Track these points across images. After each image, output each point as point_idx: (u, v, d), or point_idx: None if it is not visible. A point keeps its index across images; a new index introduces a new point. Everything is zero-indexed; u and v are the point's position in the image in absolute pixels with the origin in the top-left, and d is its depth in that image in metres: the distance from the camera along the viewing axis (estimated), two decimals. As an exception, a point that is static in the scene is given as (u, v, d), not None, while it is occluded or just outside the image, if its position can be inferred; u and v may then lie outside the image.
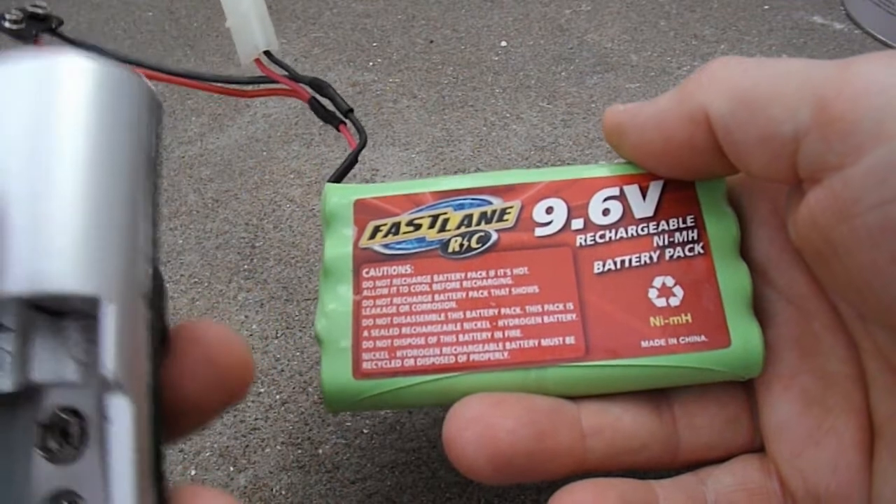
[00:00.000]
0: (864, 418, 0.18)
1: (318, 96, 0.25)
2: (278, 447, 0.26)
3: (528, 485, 0.24)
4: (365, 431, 0.26)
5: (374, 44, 0.43)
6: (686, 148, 0.19)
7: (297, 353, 0.28)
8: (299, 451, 0.26)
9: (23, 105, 0.11)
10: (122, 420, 0.12)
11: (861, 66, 0.16)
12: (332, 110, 0.26)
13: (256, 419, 0.26)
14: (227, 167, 0.36)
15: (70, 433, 0.12)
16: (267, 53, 0.25)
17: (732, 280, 0.20)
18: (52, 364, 0.12)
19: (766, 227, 0.20)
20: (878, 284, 0.16)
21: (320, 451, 0.25)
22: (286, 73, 0.25)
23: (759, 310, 0.20)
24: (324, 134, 0.37)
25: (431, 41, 0.43)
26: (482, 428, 0.18)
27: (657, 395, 0.20)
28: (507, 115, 0.38)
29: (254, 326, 0.29)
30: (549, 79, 0.40)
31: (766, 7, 0.44)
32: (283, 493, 0.25)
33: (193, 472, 0.25)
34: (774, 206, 0.20)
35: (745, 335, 0.19)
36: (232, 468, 0.25)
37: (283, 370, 0.28)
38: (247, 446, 0.26)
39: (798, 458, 0.19)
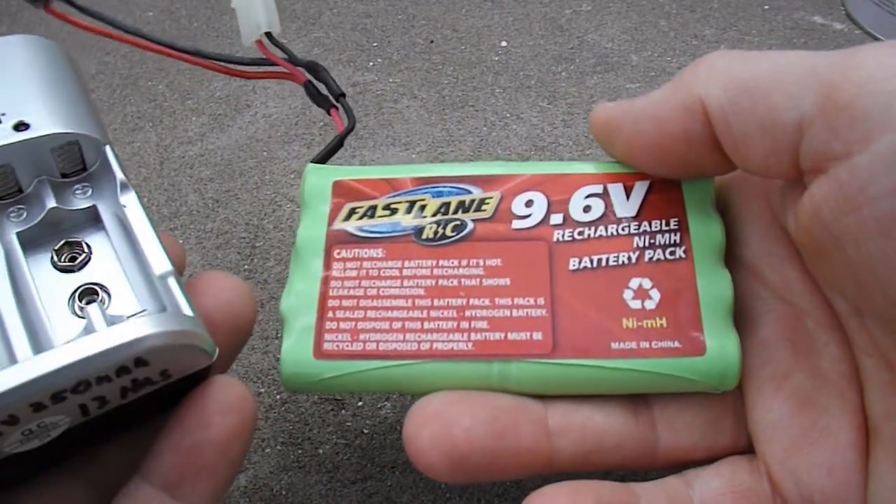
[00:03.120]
0: (859, 417, 0.18)
1: (313, 80, 0.25)
2: (278, 447, 0.26)
3: (528, 484, 0.24)
4: (365, 431, 0.26)
5: (374, 44, 0.43)
6: (681, 141, 0.18)
7: (298, 353, 0.28)
8: (299, 451, 0.26)
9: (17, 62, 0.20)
10: (134, 203, 0.18)
11: (868, 53, 0.16)
12: (325, 94, 0.25)
13: (257, 419, 0.26)
14: (227, 167, 0.36)
15: (76, 254, 0.18)
16: (269, 36, 0.25)
17: (713, 287, 0.19)
18: (65, 199, 0.18)
19: (757, 224, 0.20)
20: (885, 275, 0.15)
21: (320, 451, 0.25)
22: (285, 57, 0.25)
23: (751, 308, 0.20)
24: (324, 134, 0.37)
25: (431, 41, 0.43)
26: (439, 425, 0.18)
27: (635, 394, 0.20)
28: (508, 115, 0.38)
29: (254, 326, 0.29)
30: (550, 79, 0.40)
31: (766, 7, 0.44)
32: (283, 493, 0.25)
33: (194, 472, 0.25)
34: (766, 202, 0.20)
35: (721, 345, 0.18)
36: (232, 468, 0.25)
37: (283, 370, 0.28)
38: (247, 446, 0.26)
39: (791, 459, 0.18)
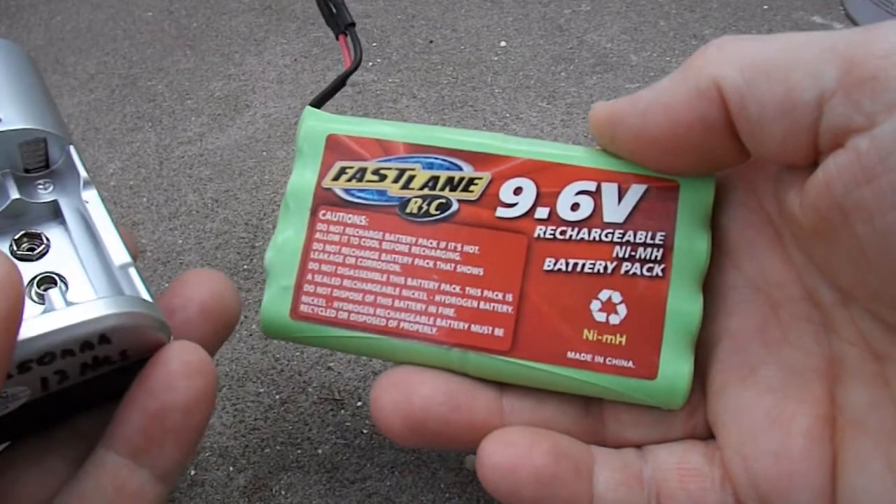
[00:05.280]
0: (823, 408, 0.18)
1: None
2: (278, 447, 0.26)
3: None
4: (365, 431, 0.26)
5: (374, 44, 0.43)
6: (696, 129, 0.18)
7: (297, 353, 0.28)
8: (299, 451, 0.26)
9: None
10: (95, 199, 0.19)
11: (888, 28, 0.15)
12: (337, 19, 0.25)
13: (256, 419, 0.26)
14: (226, 167, 0.36)
15: (34, 245, 0.19)
16: None
17: (682, 312, 0.19)
18: (27, 192, 0.19)
19: (738, 212, 0.20)
20: None
21: (320, 451, 0.25)
22: None
23: (726, 298, 0.19)
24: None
25: (431, 41, 0.43)
26: (400, 392, 0.19)
27: None
28: (507, 115, 0.38)
29: (253, 326, 0.29)
30: (549, 79, 0.40)
31: (766, 7, 0.44)
32: (283, 493, 0.25)
33: (193, 472, 0.25)
34: (751, 189, 0.20)
35: (674, 371, 0.19)
36: (232, 468, 0.25)
37: (282, 370, 0.28)
38: (246, 446, 0.26)
39: (744, 445, 0.18)
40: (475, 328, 0.20)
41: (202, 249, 0.32)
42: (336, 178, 0.21)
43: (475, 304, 0.20)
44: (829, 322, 0.19)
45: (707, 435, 0.20)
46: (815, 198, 0.16)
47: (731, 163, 0.19)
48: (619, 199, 0.20)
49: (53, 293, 0.17)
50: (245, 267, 0.31)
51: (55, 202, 0.19)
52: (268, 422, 0.26)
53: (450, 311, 0.20)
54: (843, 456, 0.18)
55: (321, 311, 0.20)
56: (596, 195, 0.20)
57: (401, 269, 0.20)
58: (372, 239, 0.20)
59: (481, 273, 0.20)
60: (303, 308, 0.20)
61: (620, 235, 0.20)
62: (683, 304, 0.19)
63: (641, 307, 0.19)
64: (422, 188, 0.20)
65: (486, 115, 0.38)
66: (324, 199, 0.21)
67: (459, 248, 0.20)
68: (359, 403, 0.27)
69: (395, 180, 0.21)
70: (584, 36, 0.43)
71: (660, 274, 0.19)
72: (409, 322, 0.20)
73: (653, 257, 0.19)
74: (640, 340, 0.19)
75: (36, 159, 0.19)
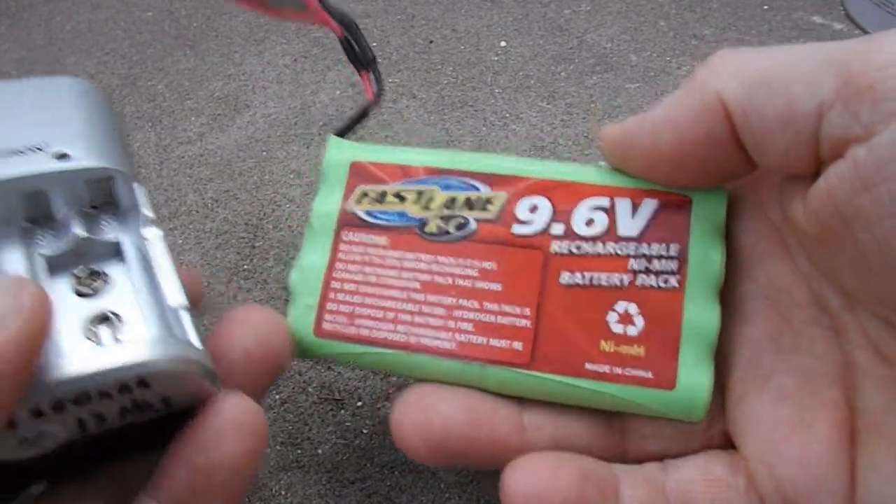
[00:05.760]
0: (839, 413, 0.18)
1: (349, 37, 0.26)
2: (278, 447, 0.26)
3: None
4: (365, 431, 0.26)
5: (374, 44, 0.43)
6: (704, 143, 0.18)
7: (297, 353, 0.28)
8: (299, 451, 0.26)
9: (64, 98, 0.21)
10: (157, 239, 0.19)
11: (886, 38, 0.16)
12: (359, 56, 0.26)
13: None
14: (226, 167, 0.36)
15: (96, 282, 0.18)
16: None
17: (699, 322, 0.19)
18: (92, 229, 0.19)
19: (747, 220, 0.20)
20: None
21: (320, 451, 0.25)
22: (322, 4, 0.26)
23: (739, 307, 0.20)
24: (323, 134, 0.37)
25: (431, 41, 0.43)
26: (420, 411, 0.19)
27: None
28: (507, 115, 0.38)
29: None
30: (549, 79, 0.40)
31: (766, 7, 0.44)
32: (283, 493, 0.25)
33: (193, 472, 0.25)
34: (757, 198, 0.20)
35: (693, 381, 0.19)
36: (232, 468, 0.25)
37: (282, 370, 0.28)
38: (246, 446, 0.26)
39: (767, 453, 0.18)
40: (494, 342, 0.20)
41: (202, 249, 0.32)
42: (358, 201, 0.22)
43: (493, 318, 0.20)
44: (838, 327, 0.19)
45: (726, 444, 0.20)
46: (818, 206, 0.17)
47: (739, 174, 0.19)
48: (633, 214, 0.20)
49: (103, 331, 0.17)
50: (245, 267, 0.31)
51: (118, 240, 0.19)
52: (268, 422, 0.26)
53: (468, 326, 0.20)
54: (860, 459, 0.18)
55: (343, 328, 0.20)
56: (610, 211, 0.20)
57: (420, 287, 0.20)
58: (392, 258, 0.21)
59: (499, 288, 0.20)
60: (326, 326, 0.21)
61: (635, 249, 0.20)
62: (700, 315, 0.19)
63: (658, 318, 0.19)
64: (441, 208, 0.21)
65: (486, 115, 0.38)
66: (347, 221, 0.21)
67: (477, 265, 0.20)
68: (359, 403, 0.27)
69: (415, 201, 0.21)
70: (584, 36, 0.43)
71: (675, 285, 0.19)
72: (429, 337, 0.20)
73: (668, 269, 0.20)
74: (658, 351, 0.19)
75: (102, 196, 0.19)
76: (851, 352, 0.18)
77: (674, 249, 0.20)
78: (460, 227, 0.21)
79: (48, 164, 0.18)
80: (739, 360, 0.19)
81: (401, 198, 0.21)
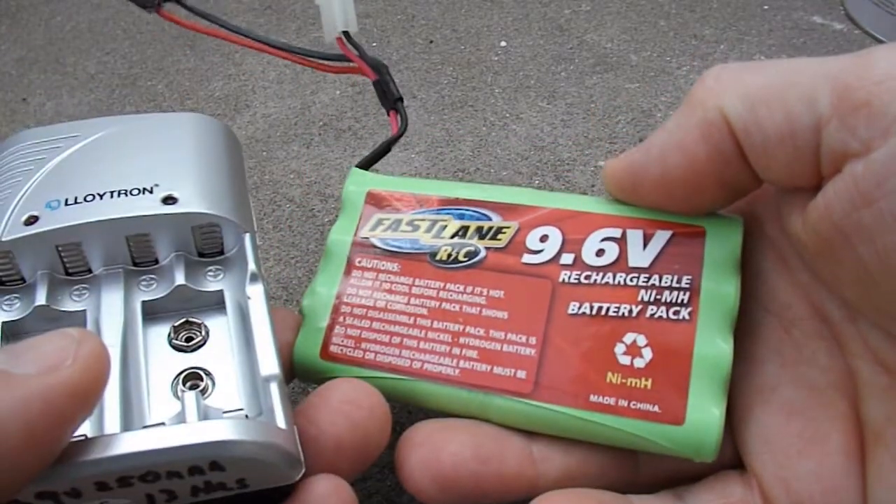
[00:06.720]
0: (850, 424, 0.18)
1: (381, 80, 0.27)
2: (278, 447, 0.26)
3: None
4: (365, 431, 0.26)
5: (374, 44, 0.43)
6: (714, 161, 0.18)
7: (297, 354, 0.28)
8: (299, 452, 0.25)
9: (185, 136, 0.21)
10: (259, 296, 0.18)
11: (880, 53, 0.16)
12: (388, 95, 0.27)
13: None
14: (226, 167, 0.36)
15: (193, 334, 0.18)
16: (346, 34, 0.28)
17: (710, 356, 0.18)
18: (195, 279, 0.18)
19: (746, 237, 0.20)
20: None
21: (320, 451, 0.25)
22: (358, 53, 0.27)
23: (741, 322, 0.19)
24: (323, 134, 0.37)
25: (431, 41, 0.43)
26: (427, 450, 0.18)
27: None
28: (507, 115, 0.38)
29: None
30: (549, 79, 0.40)
31: (766, 7, 0.44)
32: (283, 493, 0.25)
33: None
34: (754, 215, 0.20)
35: (703, 417, 0.18)
36: (232, 468, 0.25)
37: (282, 370, 0.28)
38: (246, 446, 0.26)
39: (781, 469, 0.18)
40: (497, 370, 0.19)
41: (202, 249, 0.32)
42: (373, 229, 0.22)
43: (498, 346, 0.20)
44: (839, 338, 0.19)
45: (736, 462, 0.19)
46: (816, 221, 0.17)
47: (749, 189, 0.19)
48: (645, 245, 0.20)
49: (189, 396, 0.16)
50: (245, 267, 0.31)
51: (221, 292, 0.18)
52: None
53: (473, 353, 0.20)
54: (868, 469, 0.18)
55: (349, 351, 0.21)
56: (621, 241, 0.20)
57: (427, 313, 0.20)
58: (402, 284, 0.21)
59: (505, 317, 0.20)
60: (332, 349, 0.21)
61: (646, 279, 0.19)
62: (712, 348, 0.18)
63: (667, 351, 0.19)
64: (452, 237, 0.21)
65: (486, 115, 0.38)
66: (360, 248, 0.22)
67: (485, 293, 0.20)
68: (359, 403, 0.27)
69: (428, 230, 0.22)
70: (584, 36, 0.43)
71: (686, 317, 0.19)
72: (433, 364, 0.20)
73: (679, 301, 0.19)
74: (667, 384, 0.18)
75: (210, 244, 0.19)
76: (853, 362, 0.18)
77: (685, 281, 0.19)
78: (470, 255, 0.21)
79: (152, 207, 0.18)
80: (743, 376, 0.19)
81: (414, 226, 0.22)
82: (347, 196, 0.23)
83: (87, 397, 0.14)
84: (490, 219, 0.21)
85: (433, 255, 0.21)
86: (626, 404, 0.18)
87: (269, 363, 0.17)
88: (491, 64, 0.41)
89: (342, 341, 0.21)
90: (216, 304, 0.19)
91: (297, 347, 0.21)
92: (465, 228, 0.21)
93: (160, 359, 0.17)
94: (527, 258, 0.20)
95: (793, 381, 0.19)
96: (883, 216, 0.15)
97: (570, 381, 0.19)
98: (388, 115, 0.27)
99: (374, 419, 0.18)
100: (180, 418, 0.16)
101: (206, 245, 0.19)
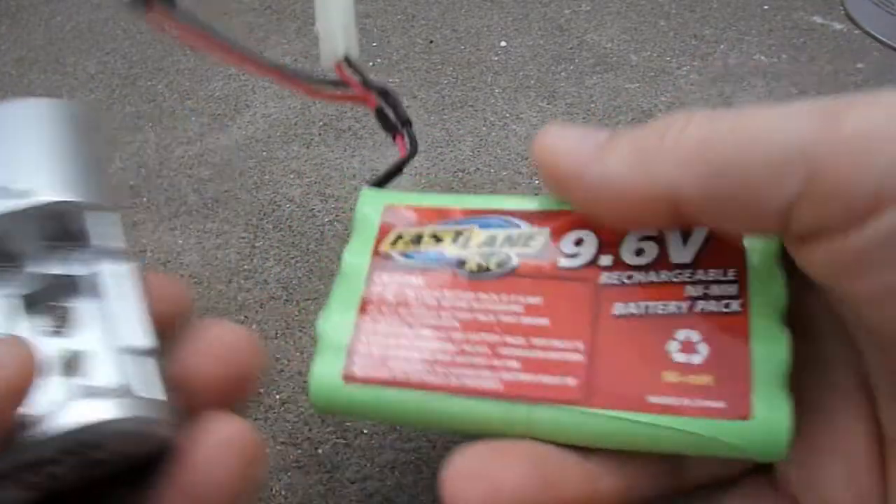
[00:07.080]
0: (872, 426, 0.18)
1: (384, 105, 0.26)
2: (278, 447, 0.26)
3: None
4: (365, 431, 0.26)
5: (374, 44, 0.43)
6: (649, 217, 0.17)
7: (297, 354, 0.28)
8: (299, 451, 0.26)
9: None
10: (126, 274, 0.18)
11: (855, 117, 0.15)
12: (393, 120, 0.26)
13: (256, 419, 0.26)
14: (226, 167, 0.36)
15: (61, 319, 0.18)
16: (347, 61, 0.26)
17: (768, 347, 0.17)
18: (59, 265, 0.18)
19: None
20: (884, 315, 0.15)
21: (320, 451, 0.25)
22: (361, 79, 0.26)
23: None
24: (323, 134, 0.37)
25: (431, 41, 0.43)
26: (485, 482, 0.17)
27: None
28: (507, 115, 0.38)
29: (253, 326, 0.29)
30: (549, 79, 0.40)
31: (766, 7, 0.44)
32: (283, 493, 0.25)
33: (193, 473, 0.25)
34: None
35: (770, 410, 0.17)
36: (232, 468, 0.25)
37: (282, 370, 0.28)
38: (247, 446, 0.26)
39: (810, 473, 0.18)
40: (545, 379, 0.18)
41: (202, 249, 0.32)
42: (393, 244, 0.21)
43: (542, 354, 0.18)
44: (854, 340, 0.18)
45: (761, 466, 0.19)
46: (805, 267, 0.16)
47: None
48: (684, 242, 0.19)
49: (62, 381, 0.16)
50: (245, 267, 0.31)
51: (90, 275, 0.18)
52: (268, 422, 0.26)
53: (515, 364, 0.18)
54: (887, 473, 0.18)
55: (376, 371, 0.19)
56: (659, 240, 0.19)
57: (460, 326, 0.19)
58: (430, 298, 0.20)
59: (547, 323, 0.19)
60: (356, 370, 0.19)
61: (691, 275, 0.19)
62: (769, 340, 0.18)
63: (723, 344, 0.18)
64: (480, 246, 0.20)
65: (486, 115, 0.38)
66: (380, 263, 0.20)
67: (522, 301, 0.19)
68: (359, 403, 0.27)
69: (454, 241, 0.20)
70: (584, 36, 0.43)
71: (738, 309, 0.18)
72: (472, 378, 0.18)
73: (728, 293, 0.18)
74: (729, 379, 0.17)
75: (71, 230, 0.18)
76: (868, 367, 0.18)
77: (731, 273, 0.18)
78: (501, 264, 0.20)
79: (5, 202, 0.18)
80: None
81: (437, 238, 0.20)
82: (360, 215, 0.21)
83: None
84: (518, 226, 0.20)
85: (461, 265, 0.20)
86: (688, 402, 0.17)
87: (141, 336, 0.17)
88: (491, 64, 0.41)
89: (367, 361, 0.19)
90: (83, 288, 0.18)
91: (314, 374, 0.19)
92: (493, 237, 0.20)
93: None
94: (563, 262, 0.19)
95: (817, 384, 0.18)
96: (862, 293, 0.15)
97: (625, 383, 0.18)
98: (394, 140, 0.25)
99: (242, 348, 0.18)
100: (51, 406, 0.16)
101: (68, 231, 0.19)
